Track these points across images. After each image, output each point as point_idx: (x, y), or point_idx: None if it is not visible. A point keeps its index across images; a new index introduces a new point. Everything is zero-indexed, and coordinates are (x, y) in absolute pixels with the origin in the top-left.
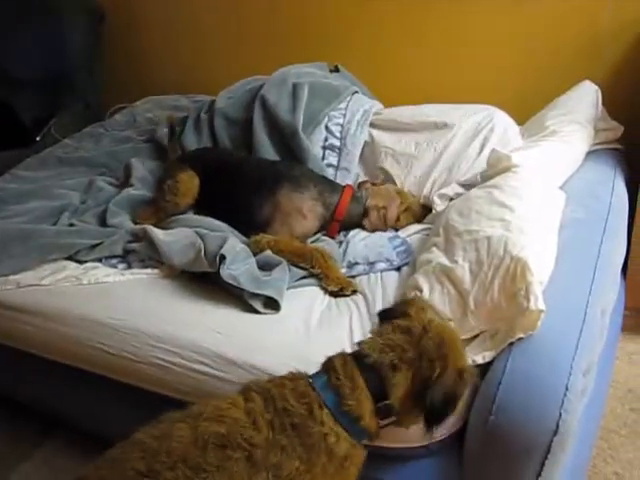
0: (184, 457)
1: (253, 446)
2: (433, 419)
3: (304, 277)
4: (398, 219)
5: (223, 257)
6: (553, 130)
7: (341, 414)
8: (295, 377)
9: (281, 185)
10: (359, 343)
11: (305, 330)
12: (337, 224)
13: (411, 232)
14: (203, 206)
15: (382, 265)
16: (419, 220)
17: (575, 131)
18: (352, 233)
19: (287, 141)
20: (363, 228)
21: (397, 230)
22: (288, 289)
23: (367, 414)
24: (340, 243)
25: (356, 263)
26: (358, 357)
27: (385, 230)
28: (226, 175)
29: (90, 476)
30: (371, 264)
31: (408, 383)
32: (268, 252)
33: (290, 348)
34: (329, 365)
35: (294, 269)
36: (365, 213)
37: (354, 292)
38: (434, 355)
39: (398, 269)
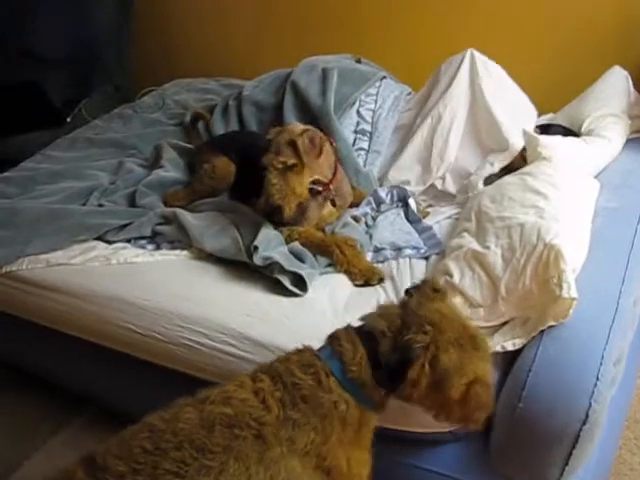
0: (190, 438)
1: (262, 424)
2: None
3: (331, 264)
4: None
5: (256, 248)
6: (590, 129)
7: (347, 381)
8: (301, 350)
9: None
10: (362, 317)
11: (332, 313)
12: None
13: (441, 218)
14: (233, 191)
15: (409, 252)
16: None
17: (612, 123)
18: (380, 218)
19: (317, 125)
20: None
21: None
22: None
23: (369, 380)
24: (368, 227)
25: (382, 249)
26: (359, 327)
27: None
28: (253, 160)
29: (99, 452)
30: (398, 250)
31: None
32: (296, 243)
33: (317, 331)
34: (333, 336)
35: (320, 258)
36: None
37: (380, 280)
38: (414, 329)
39: (426, 258)
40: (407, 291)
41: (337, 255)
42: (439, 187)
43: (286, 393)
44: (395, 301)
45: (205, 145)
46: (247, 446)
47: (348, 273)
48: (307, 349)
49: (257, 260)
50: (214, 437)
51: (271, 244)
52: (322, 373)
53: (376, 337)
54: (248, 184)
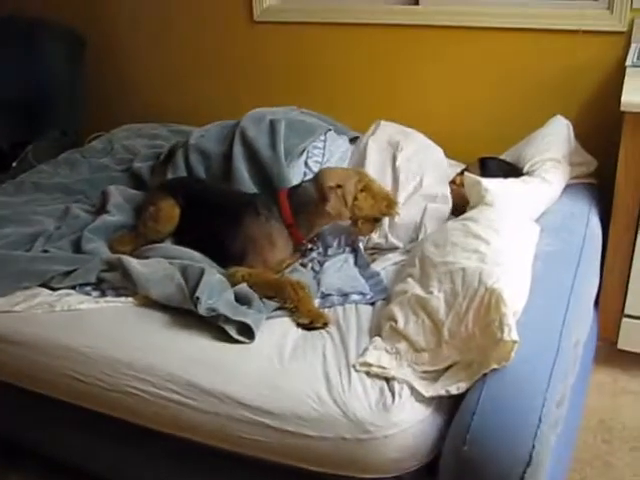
0: None
1: None
2: None
3: (278, 308)
4: (356, 199)
5: (198, 298)
6: (532, 171)
7: None
8: None
9: (245, 215)
10: None
11: (279, 360)
12: (295, 230)
13: (387, 264)
14: (181, 235)
15: (355, 297)
16: (379, 209)
17: (553, 167)
18: (327, 264)
19: (267, 174)
20: (328, 216)
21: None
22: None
23: None
24: (315, 273)
25: (329, 294)
26: None
27: (352, 217)
28: (203, 205)
29: None
30: (344, 295)
31: None
32: (243, 285)
33: (264, 377)
34: None
35: (268, 301)
36: (323, 198)
37: (325, 325)
38: None
39: (372, 304)
40: None
41: (289, 293)
42: (383, 244)
43: None
44: (340, 346)
45: (155, 188)
46: None
47: (295, 311)
48: None
49: (201, 311)
50: None
51: (214, 291)
52: None
53: None
54: (195, 230)
